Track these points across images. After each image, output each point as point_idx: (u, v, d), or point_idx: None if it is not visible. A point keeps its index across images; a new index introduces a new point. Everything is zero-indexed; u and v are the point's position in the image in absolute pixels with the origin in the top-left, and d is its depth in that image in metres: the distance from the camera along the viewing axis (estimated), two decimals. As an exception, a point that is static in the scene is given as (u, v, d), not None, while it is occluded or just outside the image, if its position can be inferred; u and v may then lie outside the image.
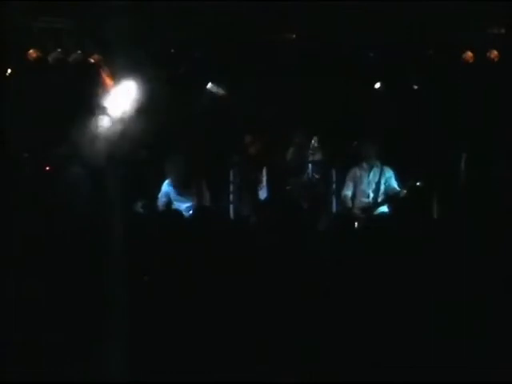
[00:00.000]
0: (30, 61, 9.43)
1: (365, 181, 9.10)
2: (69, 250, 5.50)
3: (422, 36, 9.49)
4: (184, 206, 8.71)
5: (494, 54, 9.60)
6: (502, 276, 4.95)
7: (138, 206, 8.67)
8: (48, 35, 9.45)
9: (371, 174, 9.10)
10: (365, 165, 9.14)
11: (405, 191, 8.89)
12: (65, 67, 9.60)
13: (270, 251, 5.41)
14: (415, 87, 9.99)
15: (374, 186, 9.05)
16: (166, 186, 8.93)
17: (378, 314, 4.72)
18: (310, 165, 9.42)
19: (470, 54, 9.68)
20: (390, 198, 8.98)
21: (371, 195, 9.06)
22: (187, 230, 5.72)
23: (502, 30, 9.54)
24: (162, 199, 8.87)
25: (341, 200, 9.21)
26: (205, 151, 9.61)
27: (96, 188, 9.14)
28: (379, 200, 9.02)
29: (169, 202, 8.85)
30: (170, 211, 8.63)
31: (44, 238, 5.75)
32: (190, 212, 8.46)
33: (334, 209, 9.59)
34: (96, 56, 9.67)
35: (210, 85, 10.31)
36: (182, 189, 8.80)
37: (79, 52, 9.61)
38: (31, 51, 9.41)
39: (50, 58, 9.53)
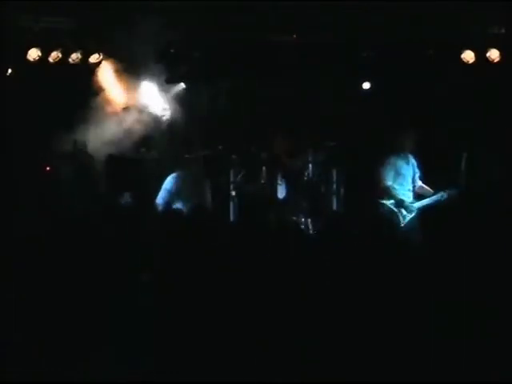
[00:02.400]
0: (30, 61, 9.42)
1: (403, 172, 8.99)
2: (68, 249, 5.50)
3: (421, 36, 9.48)
4: (186, 203, 8.71)
5: (494, 54, 9.60)
6: (502, 276, 4.96)
7: (126, 197, 8.66)
8: (48, 35, 9.43)
9: (407, 165, 9.01)
10: (403, 156, 9.04)
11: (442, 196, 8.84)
12: (65, 67, 9.60)
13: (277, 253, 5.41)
14: (415, 87, 9.99)
15: (409, 178, 8.99)
16: (167, 184, 8.92)
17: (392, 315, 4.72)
18: (310, 165, 9.43)
19: (470, 53, 9.68)
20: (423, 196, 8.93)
21: (409, 188, 8.97)
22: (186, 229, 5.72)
23: (502, 30, 9.53)
24: (162, 196, 8.86)
25: (383, 191, 8.90)
26: (206, 150, 9.61)
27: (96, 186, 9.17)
28: (413, 195, 8.96)
29: (169, 200, 8.84)
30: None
31: (44, 237, 5.75)
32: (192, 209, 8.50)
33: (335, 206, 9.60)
34: (96, 56, 9.67)
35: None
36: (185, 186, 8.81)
37: (79, 52, 9.61)
38: (31, 51, 9.40)
39: (50, 58, 9.53)
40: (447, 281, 4.91)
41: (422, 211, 8.89)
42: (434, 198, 8.90)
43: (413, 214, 8.83)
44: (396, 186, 8.87)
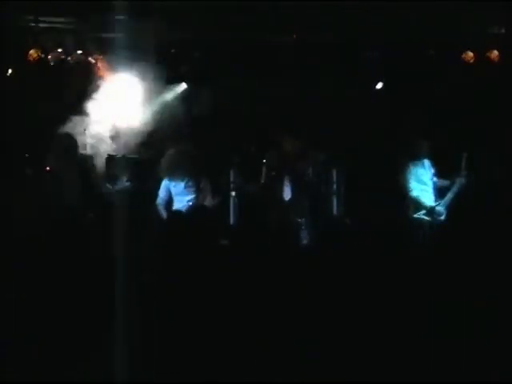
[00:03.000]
0: (30, 61, 9.43)
1: (423, 178, 8.90)
2: (68, 248, 5.50)
3: (421, 36, 9.49)
4: (185, 199, 8.72)
5: (494, 54, 9.61)
6: (503, 275, 4.96)
7: (123, 181, 8.67)
8: (48, 35, 9.44)
9: (424, 169, 8.94)
10: (420, 162, 8.86)
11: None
12: (65, 67, 9.61)
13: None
14: (415, 87, 10.00)
15: (429, 182, 8.88)
16: (166, 181, 8.93)
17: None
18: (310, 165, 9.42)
19: (470, 54, 9.69)
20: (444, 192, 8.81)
21: (431, 191, 8.86)
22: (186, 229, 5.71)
23: (502, 30, 9.54)
24: (162, 194, 8.85)
25: (410, 203, 8.74)
26: (205, 150, 9.60)
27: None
28: (436, 195, 8.82)
29: (169, 197, 8.83)
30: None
31: (43, 236, 5.75)
32: (190, 204, 8.51)
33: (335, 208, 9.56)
34: (96, 56, 9.69)
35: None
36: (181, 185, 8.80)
37: (79, 52, 9.62)
38: (31, 51, 9.41)
39: (50, 58, 9.54)
40: (449, 280, 4.91)
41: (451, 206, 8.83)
42: (455, 188, 8.82)
43: (443, 215, 8.76)
44: (420, 194, 8.79)
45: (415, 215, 8.69)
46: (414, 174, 8.80)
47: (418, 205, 8.71)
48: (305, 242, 8.03)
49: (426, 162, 8.89)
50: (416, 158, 8.83)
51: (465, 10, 8.87)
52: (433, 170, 8.92)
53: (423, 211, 8.71)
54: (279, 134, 9.53)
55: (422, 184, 8.81)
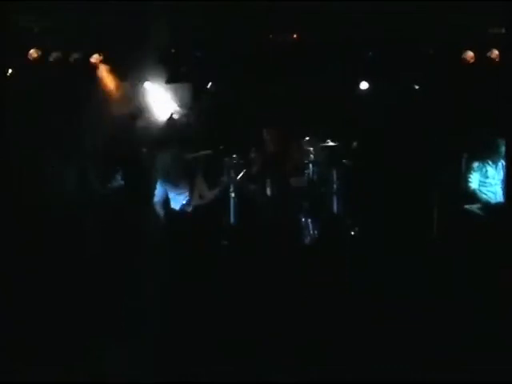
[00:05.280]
0: (30, 61, 9.45)
1: (490, 176, 9.00)
2: (67, 248, 5.51)
3: (421, 36, 9.50)
4: (181, 196, 8.74)
5: (494, 54, 9.61)
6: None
7: (118, 180, 8.69)
8: (48, 35, 9.46)
9: (496, 170, 8.97)
10: (491, 160, 8.96)
11: None
12: (65, 67, 9.62)
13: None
14: (415, 87, 10.00)
15: (497, 181, 8.93)
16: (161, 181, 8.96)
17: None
18: (310, 165, 9.42)
19: (470, 53, 9.69)
20: None
21: (497, 190, 8.93)
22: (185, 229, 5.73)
23: (502, 30, 9.54)
24: (158, 193, 8.88)
25: (467, 194, 8.88)
26: (203, 148, 9.60)
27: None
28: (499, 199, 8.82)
29: (166, 194, 8.85)
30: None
31: (43, 236, 5.76)
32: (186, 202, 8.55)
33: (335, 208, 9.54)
34: (96, 56, 9.70)
35: (209, 84, 10.33)
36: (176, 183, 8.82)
37: (79, 52, 9.64)
38: (31, 51, 9.43)
39: (50, 58, 9.56)
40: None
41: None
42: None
43: (499, 213, 8.75)
44: (483, 189, 8.87)
45: (467, 206, 8.75)
46: (479, 170, 8.90)
47: (475, 198, 8.80)
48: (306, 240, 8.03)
49: (502, 163, 8.90)
50: (486, 156, 8.90)
51: (465, 10, 8.88)
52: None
53: (477, 205, 8.77)
54: (269, 132, 9.55)
55: (485, 180, 8.87)
